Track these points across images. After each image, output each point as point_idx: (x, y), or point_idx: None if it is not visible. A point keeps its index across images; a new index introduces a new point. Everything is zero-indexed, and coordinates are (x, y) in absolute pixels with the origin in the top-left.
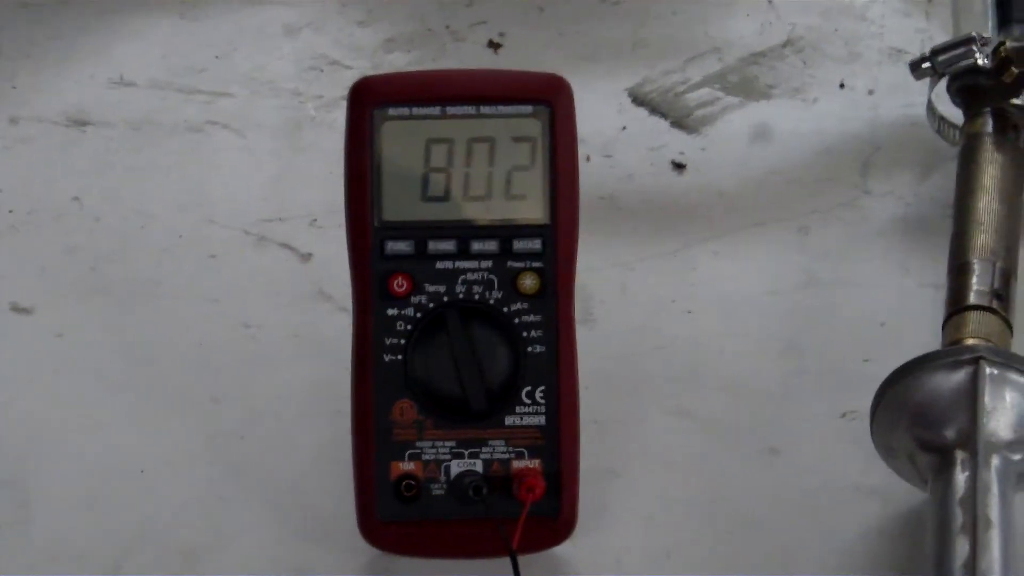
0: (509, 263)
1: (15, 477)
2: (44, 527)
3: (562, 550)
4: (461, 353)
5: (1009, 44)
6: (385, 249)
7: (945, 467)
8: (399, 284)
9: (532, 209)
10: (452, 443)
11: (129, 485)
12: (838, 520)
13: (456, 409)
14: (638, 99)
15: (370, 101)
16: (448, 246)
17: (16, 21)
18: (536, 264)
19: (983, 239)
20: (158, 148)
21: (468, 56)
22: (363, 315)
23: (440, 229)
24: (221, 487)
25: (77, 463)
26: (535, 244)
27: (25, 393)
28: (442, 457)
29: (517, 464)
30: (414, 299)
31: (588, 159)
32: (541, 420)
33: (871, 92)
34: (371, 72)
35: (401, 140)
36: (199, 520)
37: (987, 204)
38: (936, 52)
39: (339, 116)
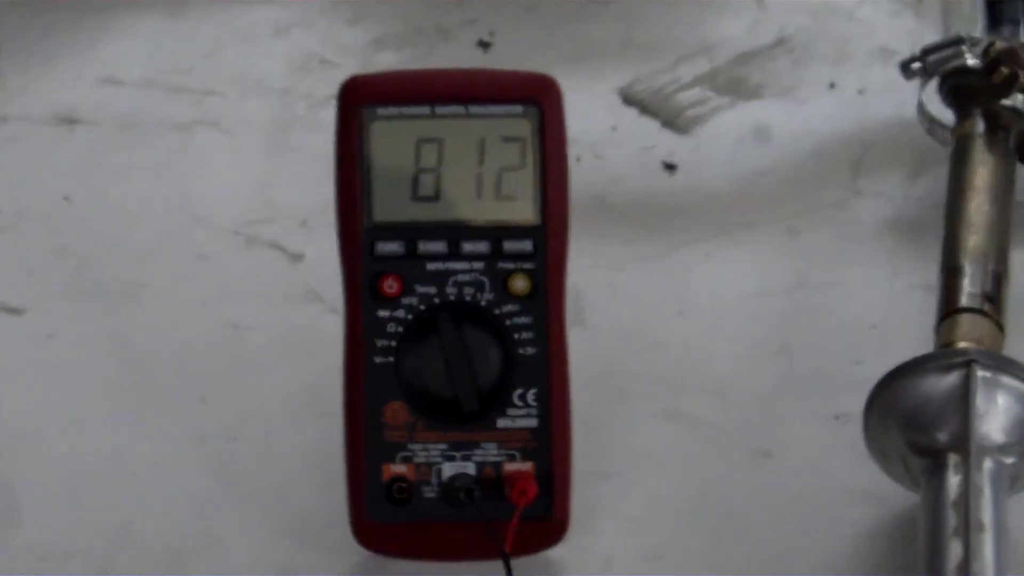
0: (500, 264)
1: (3, 477)
2: (32, 528)
3: (552, 551)
4: (452, 355)
5: (999, 44)
6: (375, 250)
7: (937, 470)
8: (390, 285)
9: (522, 210)
10: (444, 445)
11: (118, 486)
12: (830, 523)
13: (448, 411)
14: (628, 99)
15: (359, 100)
16: (439, 247)
17: (3, 20)
18: (527, 265)
19: (975, 241)
20: (146, 148)
21: (457, 55)
22: (354, 316)
23: (430, 230)
24: (210, 488)
25: (66, 464)
26: (526, 245)
27: (15, 394)
28: (434, 459)
29: (509, 467)
30: (405, 300)
31: (579, 159)
32: (533, 422)
33: (861, 92)
34: (360, 71)
35: (390, 140)
36: (188, 521)
37: (978, 205)
38: (926, 52)
39: (328, 115)
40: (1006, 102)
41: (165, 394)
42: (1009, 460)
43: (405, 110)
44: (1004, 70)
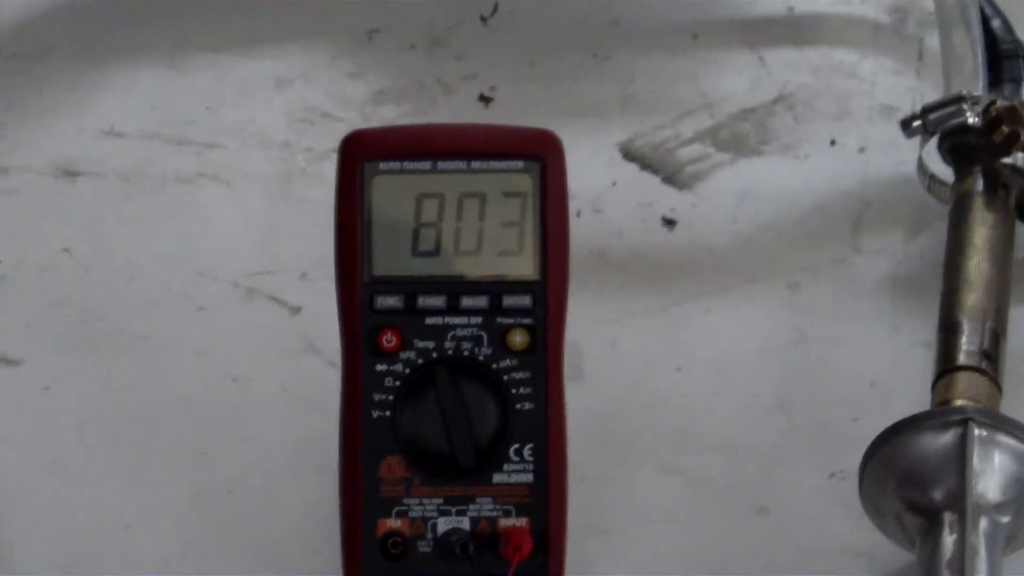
0: (499, 319)
1: None
2: None
3: None
4: (450, 410)
5: (999, 103)
6: (374, 304)
7: (933, 529)
8: (388, 339)
9: (522, 265)
10: (440, 500)
11: (114, 540)
12: None
13: (444, 466)
14: (629, 154)
15: (360, 155)
16: (438, 301)
17: (5, 71)
18: (526, 320)
19: (973, 299)
20: (148, 199)
21: (459, 110)
22: (352, 370)
23: (430, 284)
24: (207, 542)
25: (62, 517)
26: (525, 300)
27: (10, 446)
28: (429, 514)
29: (504, 522)
30: (403, 355)
31: (579, 214)
32: (529, 478)
33: (862, 150)
34: (361, 125)
35: (391, 194)
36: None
37: (977, 263)
38: (927, 110)
39: (329, 169)
40: (1006, 160)
41: (163, 447)
42: (1005, 519)
43: (406, 165)
44: (1005, 129)
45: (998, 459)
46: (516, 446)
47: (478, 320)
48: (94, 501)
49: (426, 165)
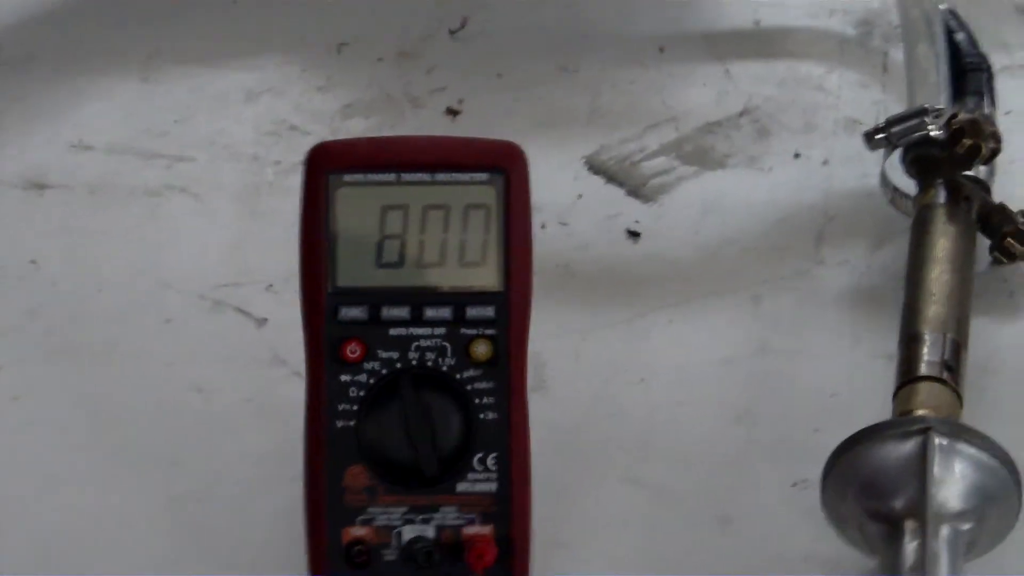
0: (462, 330)
1: None
2: None
3: None
4: (414, 419)
5: (962, 116)
6: (338, 314)
7: (894, 537)
8: (352, 350)
9: (486, 276)
10: (404, 509)
11: (84, 549)
12: None
13: (408, 475)
14: (595, 167)
15: (325, 166)
16: (401, 312)
17: None
18: (489, 331)
19: (934, 310)
20: (116, 212)
21: (427, 122)
22: (316, 380)
23: (394, 295)
24: (176, 551)
25: (32, 526)
26: (488, 311)
27: None
28: (394, 523)
29: (468, 530)
30: (367, 365)
31: (544, 227)
32: (493, 487)
33: (826, 162)
34: (330, 138)
35: (356, 206)
36: None
37: (939, 275)
38: (890, 123)
39: (297, 181)
40: (968, 173)
41: (130, 457)
42: (965, 527)
43: (371, 176)
44: (967, 141)
45: (959, 468)
46: (480, 455)
47: (442, 331)
48: (63, 509)
49: (390, 177)
